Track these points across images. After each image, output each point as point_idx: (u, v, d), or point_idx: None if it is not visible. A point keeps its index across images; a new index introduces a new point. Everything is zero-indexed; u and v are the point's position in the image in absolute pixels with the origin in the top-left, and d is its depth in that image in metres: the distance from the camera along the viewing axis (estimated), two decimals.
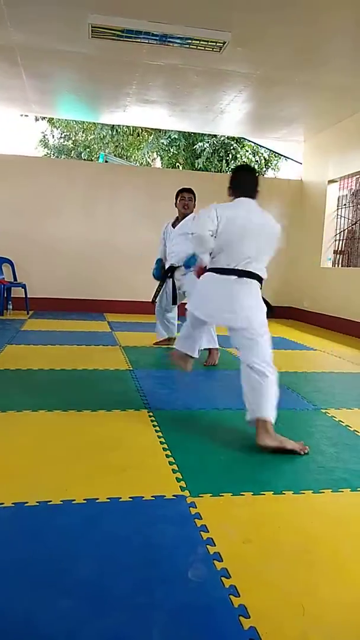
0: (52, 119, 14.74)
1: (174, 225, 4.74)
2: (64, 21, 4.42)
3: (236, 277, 2.60)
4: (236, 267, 2.60)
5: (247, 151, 12.46)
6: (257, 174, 2.93)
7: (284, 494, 1.96)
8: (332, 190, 7.53)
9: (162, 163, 14.41)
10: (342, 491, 2.02)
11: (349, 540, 1.69)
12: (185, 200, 4.61)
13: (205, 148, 12.36)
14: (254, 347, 2.54)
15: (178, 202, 4.67)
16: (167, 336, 4.99)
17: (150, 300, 4.89)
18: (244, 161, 12.42)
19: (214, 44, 4.65)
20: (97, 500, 1.81)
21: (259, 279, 2.66)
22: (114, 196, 7.85)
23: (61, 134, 17.00)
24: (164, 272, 4.77)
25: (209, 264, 2.73)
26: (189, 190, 4.67)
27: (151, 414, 2.84)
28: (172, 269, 4.66)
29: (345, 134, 6.87)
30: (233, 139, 12.04)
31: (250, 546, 1.59)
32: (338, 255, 7.88)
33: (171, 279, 4.69)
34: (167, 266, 4.73)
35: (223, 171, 12.27)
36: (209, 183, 7.76)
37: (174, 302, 4.74)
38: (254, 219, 2.64)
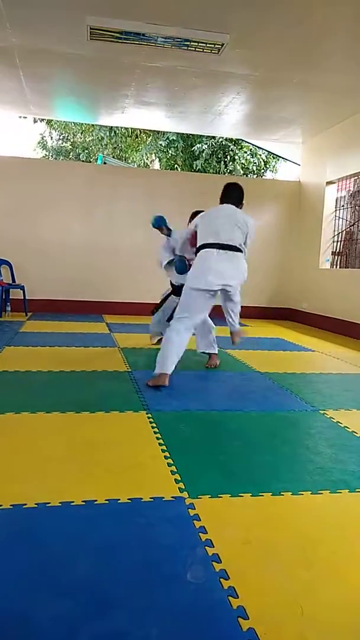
0: (51, 120, 14.74)
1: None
2: (63, 23, 4.43)
3: (218, 250, 3.53)
4: (217, 242, 3.53)
5: (245, 153, 12.48)
6: (241, 189, 3.78)
7: (283, 495, 1.96)
8: (330, 191, 7.55)
9: (160, 165, 14.43)
10: (341, 492, 2.02)
11: (348, 542, 1.69)
12: None
13: (203, 150, 12.37)
14: (236, 301, 3.74)
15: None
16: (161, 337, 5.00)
17: (151, 311, 4.90)
18: (242, 163, 12.43)
19: (212, 45, 4.66)
20: (95, 502, 1.81)
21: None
22: (112, 198, 7.85)
23: (59, 136, 17.00)
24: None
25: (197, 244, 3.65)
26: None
27: (150, 415, 2.84)
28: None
29: (344, 135, 6.88)
30: (231, 140, 12.06)
31: (249, 547, 1.59)
32: (336, 257, 7.89)
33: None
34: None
35: (221, 173, 12.28)
36: (207, 185, 7.79)
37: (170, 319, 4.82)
38: (224, 212, 3.62)
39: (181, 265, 4.76)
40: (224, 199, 3.72)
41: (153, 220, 4.33)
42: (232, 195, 3.71)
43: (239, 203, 3.71)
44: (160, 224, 4.33)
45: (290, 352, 5.32)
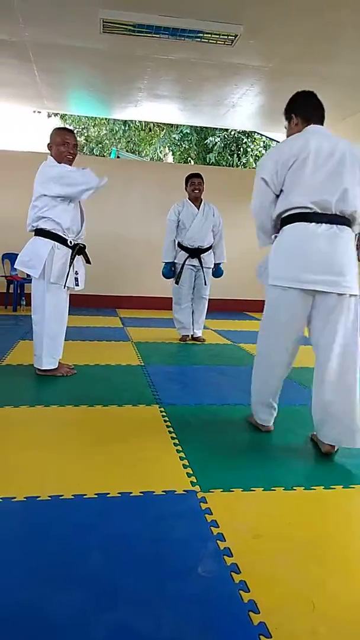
0: (64, 115, 14.76)
1: (197, 206, 4.98)
2: (76, 17, 4.42)
3: (335, 225, 2.23)
4: (329, 212, 2.23)
5: (258, 145, 12.38)
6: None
7: (295, 489, 1.95)
8: None
9: (174, 158, 14.38)
10: (354, 487, 2.01)
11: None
12: (195, 185, 4.95)
13: (216, 142, 12.30)
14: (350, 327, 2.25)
15: (188, 186, 5.00)
16: (189, 334, 5.04)
17: (175, 281, 5.04)
18: (255, 155, 12.35)
19: (226, 37, 4.61)
20: (108, 495, 1.82)
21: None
22: (126, 192, 7.85)
23: (73, 130, 17.03)
24: (175, 268, 4.91)
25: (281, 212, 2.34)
26: (198, 175, 5.02)
27: (162, 409, 2.84)
28: (200, 251, 4.94)
29: (357, 127, 6.78)
30: (244, 133, 11.97)
31: (260, 542, 1.59)
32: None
33: (197, 260, 4.95)
34: (191, 247, 4.93)
35: (234, 165, 12.20)
36: (220, 178, 7.74)
37: (206, 282, 5.05)
38: (327, 144, 2.27)
39: (166, 271, 4.99)
40: (314, 115, 2.39)
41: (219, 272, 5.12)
42: (321, 107, 2.44)
43: (323, 121, 2.44)
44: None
45: (304, 347, 5.28)
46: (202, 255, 4.95)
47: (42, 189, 3.25)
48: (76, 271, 3.40)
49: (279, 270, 2.31)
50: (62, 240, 3.32)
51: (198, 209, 4.96)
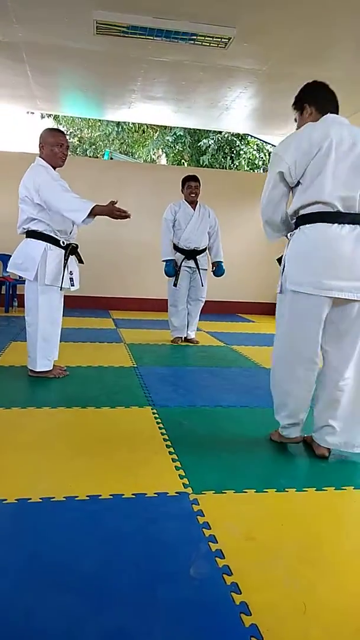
0: (58, 116, 14.73)
1: (193, 207, 4.99)
2: (69, 18, 4.42)
3: (359, 226, 2.08)
4: (353, 211, 2.08)
5: (251, 148, 12.43)
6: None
7: (287, 491, 1.95)
8: None
9: (167, 160, 14.40)
10: (345, 489, 2.01)
11: (352, 538, 1.68)
12: (192, 188, 4.95)
13: (210, 145, 12.33)
14: None
15: (185, 189, 5.00)
16: (181, 336, 5.04)
17: (173, 283, 5.01)
18: (248, 158, 12.39)
19: (219, 39, 4.63)
20: (100, 497, 1.81)
21: None
22: (119, 193, 7.77)
23: (66, 131, 17.00)
24: (177, 266, 4.95)
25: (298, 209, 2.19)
26: (196, 179, 5.02)
27: (155, 410, 2.84)
28: (196, 252, 4.95)
29: None
30: (237, 135, 12.00)
31: (252, 543, 1.59)
32: None
33: (192, 261, 4.95)
34: (187, 248, 4.94)
35: (228, 168, 12.24)
36: (213, 180, 7.76)
37: (202, 284, 5.05)
38: (349, 135, 2.10)
39: (169, 269, 4.97)
40: (328, 104, 2.27)
41: (220, 271, 5.09)
42: (335, 97, 2.31)
43: (337, 112, 2.29)
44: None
45: None
46: (197, 257, 4.96)
47: (33, 194, 3.20)
48: (70, 271, 3.39)
49: (299, 275, 2.13)
50: (55, 241, 3.30)
51: (194, 210, 4.97)
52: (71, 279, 3.39)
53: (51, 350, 3.43)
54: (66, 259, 3.34)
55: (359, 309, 2.13)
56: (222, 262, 5.05)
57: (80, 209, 3.06)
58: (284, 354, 2.29)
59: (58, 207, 3.12)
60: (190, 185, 4.95)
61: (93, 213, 3.08)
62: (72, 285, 3.43)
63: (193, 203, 4.98)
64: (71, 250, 3.38)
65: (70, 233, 3.42)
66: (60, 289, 3.36)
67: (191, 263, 4.95)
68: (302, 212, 2.16)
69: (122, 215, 3.18)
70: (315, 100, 2.27)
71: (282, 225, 2.30)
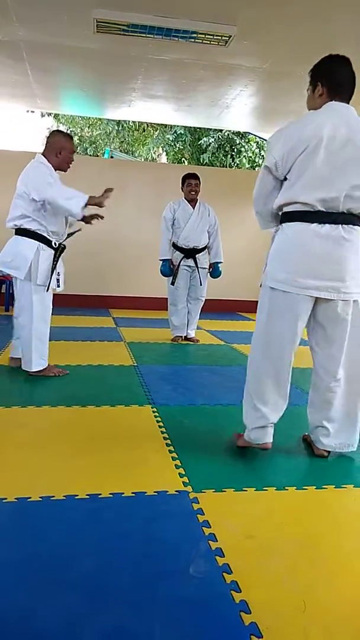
0: (58, 115, 14.73)
1: (192, 206, 4.97)
2: (69, 16, 4.41)
3: (340, 225, 2.05)
4: (335, 210, 2.03)
5: (252, 146, 12.41)
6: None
7: (287, 489, 1.96)
8: None
9: (167, 158, 14.39)
10: (345, 487, 2.01)
11: (351, 537, 1.68)
12: (192, 186, 4.92)
13: (210, 143, 12.32)
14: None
15: (185, 187, 4.96)
16: (181, 335, 5.04)
17: (171, 282, 5.01)
18: (249, 156, 12.37)
19: (220, 37, 4.62)
20: (99, 496, 1.81)
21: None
22: (119, 192, 7.77)
23: (67, 130, 17.00)
24: (174, 266, 4.95)
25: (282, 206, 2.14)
26: (196, 177, 4.99)
27: (155, 409, 2.84)
28: (195, 251, 4.93)
29: None
30: (238, 134, 11.99)
31: (252, 542, 1.59)
32: None
33: (192, 260, 4.94)
34: (186, 247, 4.92)
35: (228, 166, 12.23)
36: (214, 178, 7.75)
37: (202, 283, 5.03)
38: (345, 128, 2.01)
39: (165, 269, 4.96)
40: (337, 89, 2.11)
41: (216, 272, 5.08)
42: (351, 81, 2.14)
43: (351, 96, 2.15)
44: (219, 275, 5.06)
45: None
46: (197, 256, 4.94)
47: (31, 190, 3.20)
48: (58, 272, 3.38)
49: (278, 273, 2.12)
50: (47, 242, 3.29)
51: (194, 208, 4.95)
52: (58, 280, 3.39)
53: (45, 349, 3.43)
54: (56, 260, 3.33)
55: (342, 309, 2.11)
56: (219, 263, 5.01)
57: (78, 196, 3.13)
58: (260, 351, 2.23)
59: (55, 197, 3.11)
60: (190, 183, 4.93)
61: (88, 203, 3.13)
62: (58, 286, 3.43)
63: (193, 201, 4.96)
64: (61, 251, 3.38)
65: (62, 234, 3.41)
66: (47, 290, 3.34)
67: (190, 262, 4.93)
68: (285, 209, 2.14)
69: (104, 200, 3.28)
70: (330, 80, 2.11)
71: (272, 217, 2.26)
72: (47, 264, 3.28)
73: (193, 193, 4.93)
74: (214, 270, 5.05)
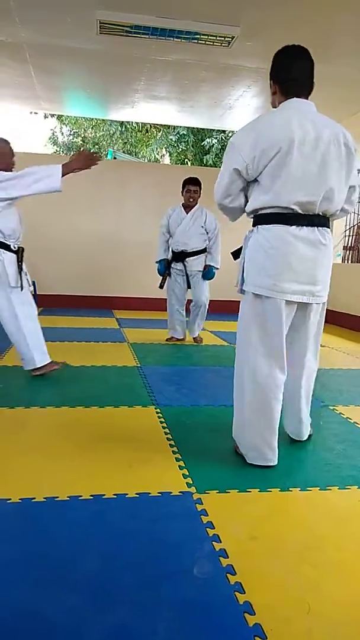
0: (61, 116, 14.76)
1: (186, 211, 4.90)
2: (73, 17, 4.42)
3: (316, 228, 2.03)
4: (312, 213, 2.01)
5: None
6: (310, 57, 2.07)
7: (291, 490, 1.95)
8: None
9: (170, 159, 14.40)
10: (349, 488, 2.01)
11: (356, 538, 1.68)
12: (191, 193, 4.84)
13: (213, 144, 12.32)
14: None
15: (184, 192, 4.90)
16: (179, 337, 5.04)
17: (159, 285, 5.01)
18: None
19: (223, 38, 4.62)
20: (103, 496, 1.82)
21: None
22: (122, 193, 7.85)
23: (70, 131, 17.03)
24: (169, 262, 4.95)
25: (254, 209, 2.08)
26: (196, 182, 4.86)
27: (158, 410, 2.84)
28: (184, 255, 4.87)
29: (356, 128, 6.80)
30: None
31: (256, 543, 1.59)
32: (348, 252, 7.83)
33: (181, 264, 4.89)
34: (176, 250, 4.90)
35: None
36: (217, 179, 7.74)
37: (189, 286, 4.98)
38: (312, 124, 1.97)
39: (160, 267, 4.95)
40: (293, 85, 2.04)
41: (208, 274, 4.91)
42: (306, 74, 2.07)
43: (310, 90, 2.09)
44: (212, 276, 4.94)
45: None
46: (187, 259, 4.85)
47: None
48: (25, 272, 3.39)
49: (258, 278, 2.04)
50: (6, 246, 3.29)
51: (187, 214, 4.88)
52: (27, 280, 3.40)
53: (42, 344, 3.41)
54: (20, 261, 3.33)
55: (315, 312, 2.15)
56: (215, 268, 4.90)
57: (52, 173, 3.01)
58: (244, 363, 2.16)
59: (26, 183, 3.05)
60: (189, 189, 4.83)
61: (65, 172, 3.03)
62: (29, 285, 3.44)
63: (190, 207, 4.87)
64: (22, 252, 3.38)
65: (19, 235, 3.42)
66: (22, 289, 3.33)
67: (180, 265, 4.88)
68: (260, 212, 2.07)
69: (94, 160, 3.12)
70: (283, 77, 2.05)
71: (240, 212, 2.20)
72: (14, 267, 3.28)
73: (191, 200, 4.84)
74: (207, 272, 4.91)
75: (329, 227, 2.08)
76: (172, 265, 4.92)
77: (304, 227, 2.00)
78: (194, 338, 5.11)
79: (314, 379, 2.38)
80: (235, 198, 2.13)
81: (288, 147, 1.92)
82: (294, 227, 1.99)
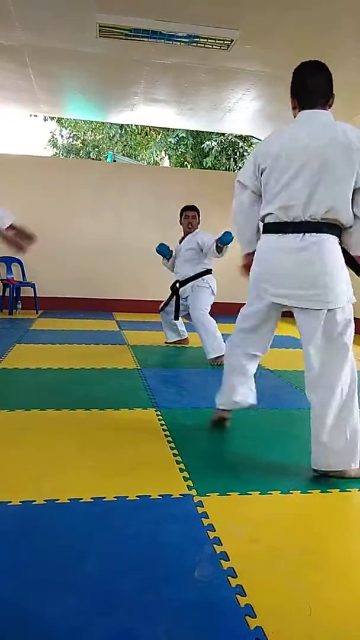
0: (61, 118, 14.79)
1: (180, 242, 4.76)
2: (72, 21, 4.44)
3: (302, 234, 2.03)
4: (298, 220, 2.03)
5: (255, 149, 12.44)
6: (328, 72, 2.11)
7: (292, 493, 1.95)
8: None
9: (170, 162, 14.43)
10: (350, 491, 2.00)
11: (357, 540, 1.68)
12: (189, 219, 4.65)
13: (213, 147, 12.35)
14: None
15: (182, 220, 4.71)
16: (178, 338, 5.02)
17: (158, 309, 4.88)
18: None
19: (222, 41, 4.64)
20: (104, 499, 1.81)
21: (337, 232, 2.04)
22: (122, 195, 7.86)
23: (70, 134, 17.06)
24: (168, 254, 4.78)
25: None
26: (193, 208, 4.69)
27: (159, 412, 2.84)
28: (178, 283, 4.64)
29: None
30: (241, 137, 12.01)
31: (257, 546, 1.59)
32: None
33: (176, 295, 4.63)
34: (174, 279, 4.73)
35: (231, 170, 12.25)
36: (216, 182, 7.77)
37: (176, 318, 4.72)
38: (309, 135, 2.01)
39: (163, 249, 4.71)
40: (306, 98, 2.10)
41: (225, 236, 4.22)
42: (318, 86, 2.10)
43: (329, 100, 2.11)
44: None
45: (301, 350, 5.28)
46: (183, 287, 4.61)
47: None
48: None
49: (252, 278, 2.25)
50: None
51: (179, 243, 4.73)
52: None
53: None
54: None
55: (308, 317, 2.07)
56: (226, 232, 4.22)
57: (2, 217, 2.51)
58: (233, 336, 2.45)
59: None
60: (187, 215, 4.65)
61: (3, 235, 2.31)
62: None
63: (188, 235, 4.67)
64: None
65: None
66: None
67: (174, 298, 4.64)
68: (263, 222, 2.21)
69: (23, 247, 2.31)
70: (299, 91, 2.14)
71: (254, 236, 2.31)
72: None
73: (190, 227, 4.64)
74: (223, 237, 4.22)
75: (324, 232, 2.00)
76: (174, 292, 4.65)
77: (289, 234, 2.04)
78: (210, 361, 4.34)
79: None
80: (247, 212, 2.31)
81: (276, 158, 2.04)
82: (279, 234, 2.08)
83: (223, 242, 4.22)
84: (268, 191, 2.10)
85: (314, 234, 2.00)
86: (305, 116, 2.09)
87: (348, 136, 1.96)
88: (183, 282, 4.60)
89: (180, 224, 4.75)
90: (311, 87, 2.10)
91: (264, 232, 2.18)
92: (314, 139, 1.99)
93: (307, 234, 2.01)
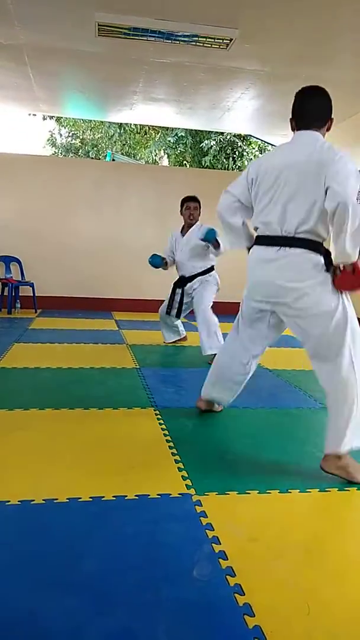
0: (60, 117, 14.78)
1: (182, 233, 4.69)
2: (71, 20, 4.43)
3: (279, 248, 2.15)
4: (276, 234, 2.17)
5: (253, 149, 12.43)
6: (326, 94, 2.19)
7: (290, 492, 1.95)
8: None
9: (169, 161, 14.42)
10: (348, 490, 2.01)
11: (355, 539, 1.68)
12: (191, 210, 4.59)
13: (212, 146, 12.34)
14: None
15: (183, 210, 4.66)
16: (177, 338, 5.02)
17: (160, 311, 4.82)
18: (250, 159, 12.37)
19: (221, 40, 4.63)
20: (103, 498, 1.81)
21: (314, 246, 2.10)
22: (121, 194, 7.86)
23: (69, 133, 17.04)
24: (164, 264, 4.70)
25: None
26: (194, 199, 4.63)
27: (157, 412, 2.84)
28: (184, 280, 4.59)
29: (353, 130, 6.82)
30: (239, 136, 12.01)
31: (255, 545, 1.59)
32: None
33: (181, 291, 4.57)
34: (180, 275, 4.67)
35: (230, 169, 12.25)
36: (215, 181, 7.76)
37: (178, 317, 4.69)
38: (291, 157, 2.12)
39: (156, 260, 4.61)
40: (302, 120, 2.18)
41: (207, 233, 4.12)
42: (313, 108, 2.17)
43: (324, 122, 2.18)
44: (212, 237, 4.15)
45: (300, 349, 5.28)
46: (188, 285, 4.55)
47: None
48: None
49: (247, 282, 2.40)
50: None
51: (182, 236, 4.64)
52: None
53: None
54: None
55: (307, 324, 2.15)
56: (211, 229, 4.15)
57: None
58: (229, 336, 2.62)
59: None
60: (188, 206, 4.57)
61: None
62: None
63: (190, 226, 4.61)
64: None
65: None
66: None
67: (179, 292, 4.56)
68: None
69: None
70: (295, 114, 2.24)
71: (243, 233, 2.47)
72: None
73: (191, 218, 4.57)
74: (207, 233, 4.14)
75: (299, 247, 2.10)
76: (176, 289, 4.58)
77: (269, 247, 2.19)
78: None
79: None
80: (233, 212, 2.44)
81: (262, 176, 2.21)
82: (262, 247, 2.24)
83: (206, 238, 4.16)
84: (255, 206, 2.27)
85: (289, 248, 2.12)
86: (296, 136, 2.21)
87: (323, 152, 2.03)
88: (190, 278, 4.54)
89: (181, 214, 4.69)
90: (308, 110, 2.19)
91: (254, 243, 2.33)
92: (294, 157, 2.11)
93: (283, 248, 2.14)
